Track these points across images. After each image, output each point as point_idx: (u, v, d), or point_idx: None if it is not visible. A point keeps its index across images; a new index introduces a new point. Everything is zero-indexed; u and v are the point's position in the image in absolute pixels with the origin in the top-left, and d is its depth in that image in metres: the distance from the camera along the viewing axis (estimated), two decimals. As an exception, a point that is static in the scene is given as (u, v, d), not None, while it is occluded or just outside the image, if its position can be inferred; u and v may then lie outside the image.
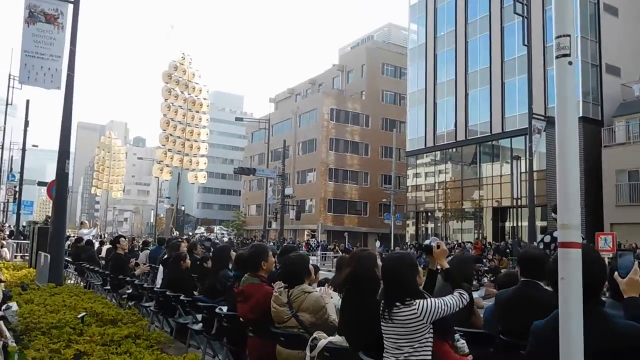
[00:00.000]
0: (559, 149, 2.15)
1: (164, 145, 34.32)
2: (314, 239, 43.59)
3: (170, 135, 34.06)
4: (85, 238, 16.04)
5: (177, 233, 36.29)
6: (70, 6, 10.35)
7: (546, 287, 3.47)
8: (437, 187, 41.07)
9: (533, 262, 3.69)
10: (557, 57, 2.14)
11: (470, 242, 32.71)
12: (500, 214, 35.74)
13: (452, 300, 3.29)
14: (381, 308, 3.30)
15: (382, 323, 3.29)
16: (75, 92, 10.44)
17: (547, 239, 6.36)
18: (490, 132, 35.50)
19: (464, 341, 3.77)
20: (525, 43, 19.58)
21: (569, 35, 2.13)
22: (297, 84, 70.46)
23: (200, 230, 61.53)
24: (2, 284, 6.96)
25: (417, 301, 3.18)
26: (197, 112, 35.79)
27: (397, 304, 3.20)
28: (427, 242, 3.80)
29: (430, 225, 42.50)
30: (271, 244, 37.69)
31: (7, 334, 4.83)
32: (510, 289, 3.84)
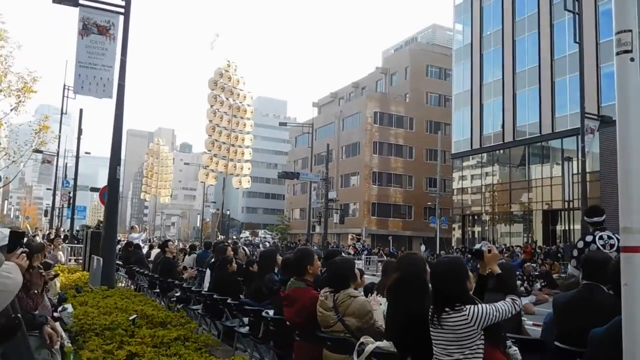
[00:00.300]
0: (620, 150, 2.04)
1: (209, 151, 34.96)
2: (360, 243, 43.36)
3: (216, 141, 34.66)
4: (135, 242, 16.53)
5: (222, 237, 36.90)
6: (121, 17, 10.67)
7: (609, 291, 3.34)
8: (484, 190, 40.21)
9: (596, 264, 3.59)
10: (617, 53, 2.05)
11: (520, 246, 31.81)
12: (550, 217, 34.62)
13: (504, 307, 3.19)
14: (430, 313, 3.23)
15: (431, 329, 3.22)
16: (125, 100, 10.76)
17: (581, 244, 6.24)
18: (540, 132, 34.49)
19: (516, 348, 3.66)
20: (577, 40, 18.93)
21: (630, 31, 2.04)
22: (340, 87, 70.52)
23: (245, 234, 62.38)
24: (57, 278, 7.19)
25: (468, 307, 3.10)
26: (242, 118, 36.31)
27: (447, 309, 3.12)
28: (477, 246, 3.73)
29: (477, 228, 41.62)
30: (315, 247, 37.79)
31: (63, 334, 4.99)
32: (570, 292, 3.70)
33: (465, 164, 42.32)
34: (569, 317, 3.53)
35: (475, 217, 41.72)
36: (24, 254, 2.71)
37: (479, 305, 3.13)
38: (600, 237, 5.92)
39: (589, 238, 6.07)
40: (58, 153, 32.68)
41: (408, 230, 52.91)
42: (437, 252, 36.58)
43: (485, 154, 40.03)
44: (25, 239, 4.54)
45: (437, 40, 64.14)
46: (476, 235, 40.92)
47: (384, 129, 54.55)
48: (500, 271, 3.51)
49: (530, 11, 35.98)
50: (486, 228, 40.32)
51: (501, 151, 38.60)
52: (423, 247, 41.68)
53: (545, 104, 34.21)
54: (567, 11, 20.25)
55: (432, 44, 63.28)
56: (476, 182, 41.20)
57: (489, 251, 3.54)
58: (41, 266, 4.86)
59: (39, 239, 12.27)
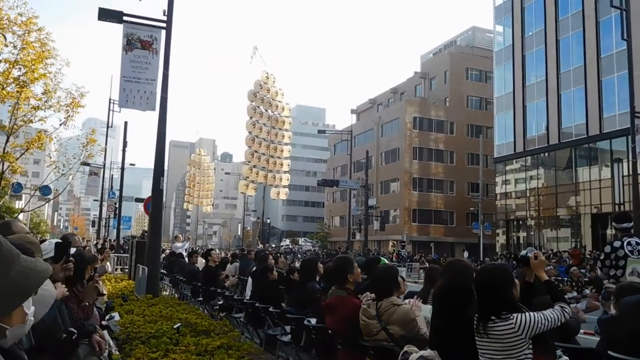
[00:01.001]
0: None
1: (249, 162, 35.39)
2: (404, 250, 42.90)
3: (256, 152, 35.09)
4: (178, 251, 16.83)
5: (261, 246, 37.18)
6: (163, 32, 10.91)
7: None
8: (528, 194, 39.18)
9: None
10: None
11: (567, 251, 30.78)
12: (600, 221, 33.36)
13: (553, 315, 3.07)
14: (475, 322, 3.13)
15: (476, 337, 3.14)
16: (168, 112, 10.99)
17: (608, 249, 6.28)
18: (587, 134, 33.39)
19: (567, 358, 3.51)
20: (625, 37, 18.22)
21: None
22: (378, 93, 70.32)
23: (286, 242, 62.74)
24: (104, 296, 7.39)
25: (515, 315, 3.00)
26: (280, 129, 36.64)
27: (493, 317, 3.03)
28: (523, 252, 3.60)
29: (522, 234, 40.54)
30: (359, 256, 37.65)
31: (111, 342, 5.10)
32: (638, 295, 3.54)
33: (508, 167, 41.37)
34: (636, 319, 3.37)
35: (520, 222, 40.64)
36: (70, 264, 2.77)
37: (527, 313, 3.03)
38: (629, 243, 6.04)
39: (617, 243, 6.16)
40: (104, 165, 33.70)
41: (450, 236, 52.03)
42: (481, 259, 35.79)
43: (529, 157, 39.05)
44: (74, 249, 4.67)
45: (476, 43, 63.20)
46: (521, 241, 39.85)
47: (424, 134, 53.97)
48: (547, 278, 3.40)
49: (574, 9, 35.00)
50: (531, 233, 39.22)
51: (546, 154, 37.55)
52: (466, 254, 40.87)
53: (592, 104, 33.12)
54: (613, 7, 19.55)
55: (472, 46, 62.38)
56: (520, 186, 40.19)
57: (536, 257, 3.44)
58: (98, 280, 4.99)
59: (92, 249, 12.63)
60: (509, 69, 40.73)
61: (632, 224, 6.25)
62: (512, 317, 2.99)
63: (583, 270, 23.78)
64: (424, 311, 4.23)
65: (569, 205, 35.64)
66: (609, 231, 33.15)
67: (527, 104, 38.84)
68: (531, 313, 3.04)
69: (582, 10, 34.24)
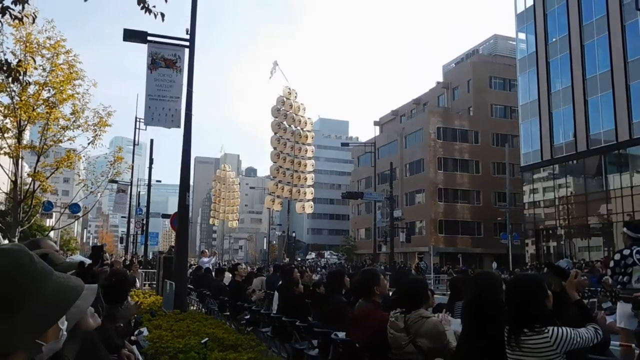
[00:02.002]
0: None
1: (274, 177, 35.54)
2: (423, 262, 42.39)
3: (280, 167, 35.23)
4: (205, 266, 16.93)
5: (288, 259, 37.18)
6: (187, 50, 11.10)
7: None
8: (557, 203, 38.40)
9: None
10: None
11: (599, 261, 29.99)
12: (633, 229, 32.44)
13: (588, 334, 2.99)
14: (506, 334, 3.05)
15: (507, 351, 3.05)
16: (192, 129, 11.11)
17: (617, 256, 6.45)
18: (616, 140, 32.66)
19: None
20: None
21: None
22: (401, 105, 70.13)
23: (311, 255, 62.61)
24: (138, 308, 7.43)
25: (550, 328, 2.91)
26: (303, 144, 36.77)
27: (525, 330, 2.94)
28: (562, 263, 3.55)
29: (552, 243, 39.69)
30: (382, 267, 37.29)
31: (140, 357, 5.12)
32: None
33: (536, 176, 40.69)
34: None
35: (550, 232, 39.82)
36: (106, 267, 2.81)
37: (563, 328, 2.94)
38: (638, 252, 6.24)
39: (626, 251, 6.34)
40: (131, 182, 34.26)
41: (478, 247, 51.24)
42: (511, 270, 35.11)
43: (557, 165, 38.35)
44: (109, 262, 4.73)
45: (499, 51, 62.68)
46: (551, 251, 39.01)
47: (448, 144, 53.53)
48: (578, 297, 3.33)
49: (599, 14, 34.46)
50: (562, 242, 38.37)
51: (574, 161, 36.83)
52: (495, 265, 40.16)
53: (620, 110, 32.42)
54: (639, 11, 19.21)
55: (495, 54, 61.89)
56: (549, 195, 39.45)
57: (575, 276, 3.37)
58: (138, 302, 5.05)
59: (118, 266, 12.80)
60: (533, 76, 40.24)
61: None
62: (546, 331, 2.91)
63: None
64: (454, 325, 4.16)
65: (600, 213, 34.80)
66: (643, 239, 32.25)
67: (553, 111, 38.25)
68: (567, 328, 2.95)
69: (607, 14, 33.70)
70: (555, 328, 2.91)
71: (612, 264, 6.60)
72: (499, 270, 35.47)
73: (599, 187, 34.92)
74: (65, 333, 1.19)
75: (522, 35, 43.54)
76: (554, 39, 38.68)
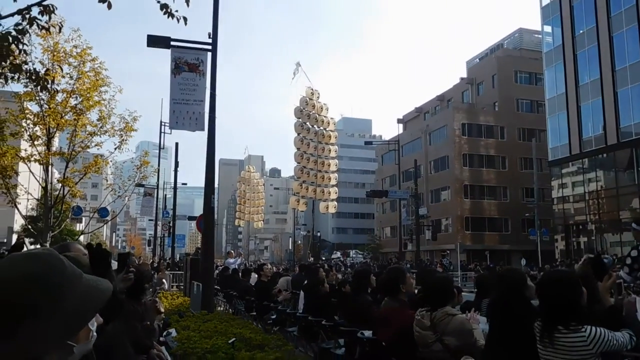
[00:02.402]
0: None
1: (298, 178, 35.66)
2: (446, 259, 42.01)
3: (304, 167, 35.35)
4: (232, 267, 17.06)
5: (312, 259, 37.24)
6: (209, 54, 11.21)
7: None
8: (587, 197, 37.60)
9: None
10: None
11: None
12: (667, 223, 31.55)
13: (623, 339, 2.93)
14: (538, 331, 3.00)
15: (539, 347, 3.00)
16: (216, 131, 11.22)
17: (635, 253, 6.40)
18: (648, 132, 31.83)
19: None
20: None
21: None
22: (424, 102, 69.57)
23: (337, 254, 62.55)
24: (162, 313, 7.56)
25: (587, 327, 2.84)
26: (327, 144, 36.81)
27: (560, 327, 2.88)
28: (607, 259, 3.47)
29: (583, 239, 38.88)
30: (408, 266, 37.05)
31: (169, 358, 5.20)
32: None
33: (564, 171, 39.92)
34: None
35: (580, 227, 39.02)
36: (131, 275, 2.87)
37: (600, 328, 2.86)
38: None
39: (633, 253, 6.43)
40: (158, 186, 34.73)
41: (506, 244, 50.48)
42: (540, 266, 34.50)
43: (586, 159, 37.55)
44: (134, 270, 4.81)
45: (524, 45, 61.65)
46: (582, 246, 38.21)
47: (474, 140, 52.89)
48: (612, 303, 3.25)
49: (628, 4, 33.61)
50: (592, 238, 37.55)
51: (604, 155, 36.01)
52: (524, 262, 39.50)
53: (651, 101, 31.59)
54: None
55: (520, 48, 60.89)
56: (578, 190, 38.65)
57: (609, 279, 3.30)
58: (157, 300, 5.12)
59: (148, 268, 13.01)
60: (560, 69, 39.48)
61: None
62: (583, 329, 2.84)
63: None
64: (482, 323, 4.11)
65: (632, 207, 33.95)
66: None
67: (581, 104, 37.47)
68: (603, 329, 2.89)
69: (637, 4, 32.84)
70: (593, 327, 2.85)
71: (629, 260, 6.49)
72: (528, 267, 34.91)
73: (631, 181, 34.06)
74: (95, 334, 1.22)
75: (547, 28, 42.76)
76: (581, 31, 37.87)
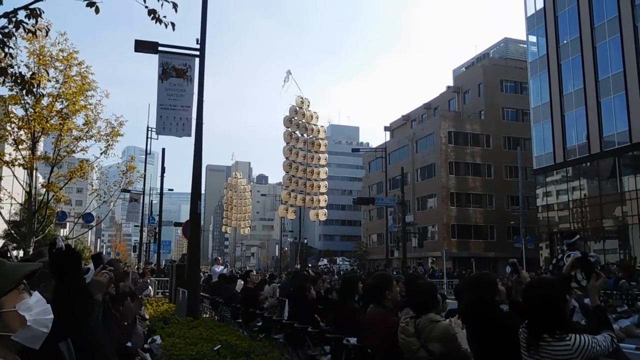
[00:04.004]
0: None
1: (287, 187, 35.59)
2: (421, 267, 42.02)
3: (293, 176, 35.30)
4: (218, 273, 16.96)
5: (299, 266, 37.16)
6: (197, 60, 11.20)
7: None
8: (571, 206, 38.03)
9: None
10: None
11: (615, 264, 29.62)
12: (649, 231, 32.02)
13: (605, 343, 2.95)
14: (523, 338, 3.02)
15: (524, 355, 3.02)
16: (203, 137, 11.19)
17: (554, 261, 8.22)
18: (630, 141, 32.31)
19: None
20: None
21: None
22: (411, 109, 70.01)
23: (324, 262, 62.50)
24: (147, 321, 7.51)
25: (572, 336, 2.86)
26: (316, 152, 36.81)
27: (545, 336, 2.90)
28: (593, 257, 3.51)
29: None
30: (395, 273, 37.14)
31: (153, 365, 5.16)
32: None
33: (549, 179, 40.36)
34: None
35: (564, 235, 39.40)
36: (105, 272, 2.86)
37: (584, 335, 2.90)
38: (569, 256, 7.52)
39: (559, 256, 7.89)
40: (144, 191, 34.44)
41: (491, 251, 50.83)
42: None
43: (570, 168, 38.00)
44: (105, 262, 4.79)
45: (510, 54, 62.43)
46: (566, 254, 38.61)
47: (460, 148, 53.31)
48: (599, 303, 3.28)
49: (611, 15, 34.20)
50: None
51: (588, 163, 36.48)
52: (509, 269, 39.67)
53: (634, 111, 32.09)
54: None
55: (505, 58, 61.63)
56: (562, 198, 39.08)
57: (597, 278, 3.33)
58: (140, 296, 5.08)
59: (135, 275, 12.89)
60: (545, 79, 39.99)
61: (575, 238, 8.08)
62: (568, 338, 2.85)
63: (634, 283, 22.84)
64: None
65: (615, 215, 34.40)
66: (659, 241, 31.80)
67: (565, 113, 37.97)
68: (586, 336, 2.91)
69: (619, 15, 33.43)
70: (577, 336, 2.87)
71: (551, 267, 7.22)
72: (513, 274, 35.15)
73: (614, 189, 34.53)
74: (32, 320, 1.23)
75: (532, 38, 43.34)
76: (565, 41, 38.43)
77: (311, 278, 9.90)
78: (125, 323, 4.56)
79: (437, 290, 4.37)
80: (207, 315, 12.43)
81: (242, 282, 12.51)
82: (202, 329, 8.00)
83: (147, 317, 8.59)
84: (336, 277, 36.23)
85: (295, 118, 35.67)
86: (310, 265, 49.52)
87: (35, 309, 1.23)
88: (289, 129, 35.40)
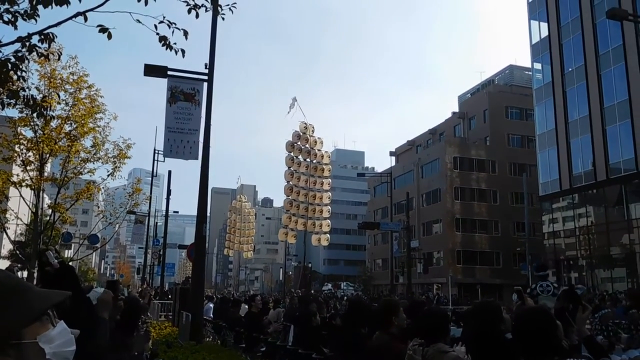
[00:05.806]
0: None
1: (288, 211, 35.60)
2: (430, 292, 41.55)
3: (294, 200, 35.33)
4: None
5: (300, 292, 36.87)
6: (205, 84, 11.33)
7: None
8: (578, 233, 37.75)
9: None
10: None
11: (623, 293, 29.20)
12: (658, 259, 31.68)
13: None
14: None
15: None
16: (210, 160, 11.23)
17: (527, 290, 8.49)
18: (637, 169, 32.22)
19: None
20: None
21: None
22: (417, 135, 70.25)
23: (328, 286, 61.98)
24: (149, 343, 7.44)
25: None
26: (320, 177, 36.88)
27: None
28: (580, 289, 3.49)
29: (574, 274, 38.85)
30: (403, 299, 36.79)
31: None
32: None
33: (555, 205, 40.16)
34: None
35: (571, 262, 39.04)
36: (120, 302, 2.86)
37: None
38: (540, 285, 8.70)
39: (533, 285, 8.24)
40: (149, 213, 34.52)
41: (497, 278, 50.30)
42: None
43: (576, 195, 37.84)
44: (123, 297, 4.76)
45: (515, 81, 62.84)
46: (573, 282, 38.15)
47: (465, 173, 53.28)
48: (589, 334, 3.27)
49: (615, 43, 34.47)
50: (583, 273, 37.54)
51: (594, 190, 36.34)
52: (515, 296, 39.26)
53: (640, 138, 32.09)
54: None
55: (511, 84, 62.03)
56: (569, 225, 38.83)
57: (584, 310, 3.31)
58: (149, 330, 5.07)
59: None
60: (550, 106, 40.15)
61: (547, 271, 8.89)
62: None
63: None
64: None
65: (622, 243, 34.09)
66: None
67: (571, 140, 37.99)
68: None
69: (623, 43, 33.69)
70: None
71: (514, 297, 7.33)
72: (520, 301, 34.73)
73: (621, 217, 34.30)
74: (51, 354, 1.21)
75: (537, 66, 43.64)
76: (570, 69, 38.68)
77: (320, 302, 9.83)
78: (136, 353, 4.55)
79: (447, 317, 4.28)
80: (210, 340, 12.31)
81: (247, 307, 12.41)
82: (205, 353, 7.91)
83: (150, 339, 8.52)
84: (343, 302, 35.90)
85: (298, 143, 35.86)
86: (313, 290, 49.10)
87: (57, 340, 1.19)
88: (291, 154, 35.58)
